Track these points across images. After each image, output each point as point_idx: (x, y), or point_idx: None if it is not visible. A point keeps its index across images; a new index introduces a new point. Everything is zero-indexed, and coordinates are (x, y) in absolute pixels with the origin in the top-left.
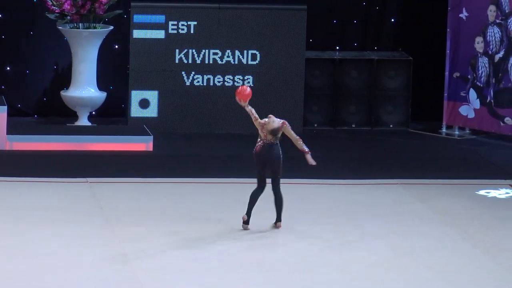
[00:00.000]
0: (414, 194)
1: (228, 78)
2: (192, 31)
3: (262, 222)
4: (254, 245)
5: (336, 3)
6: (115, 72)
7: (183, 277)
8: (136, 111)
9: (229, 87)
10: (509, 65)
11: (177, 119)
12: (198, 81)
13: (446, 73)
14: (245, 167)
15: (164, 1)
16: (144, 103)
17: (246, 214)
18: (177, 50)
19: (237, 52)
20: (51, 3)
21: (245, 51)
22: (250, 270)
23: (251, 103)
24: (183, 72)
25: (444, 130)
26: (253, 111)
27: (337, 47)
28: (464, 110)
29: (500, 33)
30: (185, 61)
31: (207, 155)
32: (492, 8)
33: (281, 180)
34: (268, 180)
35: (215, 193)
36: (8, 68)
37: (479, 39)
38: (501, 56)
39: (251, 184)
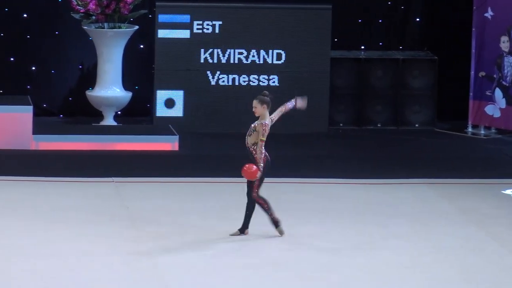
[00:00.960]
0: (440, 193)
1: (253, 77)
2: (217, 31)
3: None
4: (278, 245)
5: (361, 3)
6: (140, 71)
7: (209, 276)
8: (161, 111)
9: (255, 86)
10: None
11: (203, 119)
12: (224, 81)
13: (472, 73)
14: (273, 166)
15: (189, 0)
16: (169, 103)
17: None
18: (202, 50)
19: (262, 52)
20: (76, 3)
21: (270, 51)
22: (275, 270)
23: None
24: (208, 72)
25: (469, 129)
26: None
27: (362, 47)
28: (489, 109)
29: None
30: (210, 60)
31: (233, 155)
32: None
33: (307, 179)
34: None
35: (241, 192)
36: (33, 68)
37: (504, 38)
38: None
39: (277, 183)
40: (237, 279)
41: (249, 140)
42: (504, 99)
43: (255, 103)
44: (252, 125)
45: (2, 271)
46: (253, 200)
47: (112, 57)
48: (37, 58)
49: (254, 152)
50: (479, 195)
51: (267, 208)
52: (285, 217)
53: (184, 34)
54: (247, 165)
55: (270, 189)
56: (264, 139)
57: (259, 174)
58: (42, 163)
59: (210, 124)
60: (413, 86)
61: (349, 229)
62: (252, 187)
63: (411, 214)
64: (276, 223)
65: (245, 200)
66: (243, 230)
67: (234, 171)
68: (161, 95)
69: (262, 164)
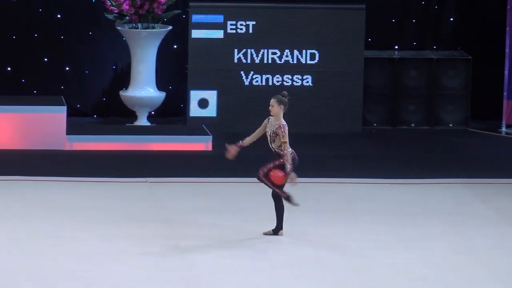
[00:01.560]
0: (474, 193)
1: (287, 77)
2: (250, 31)
3: (313, 221)
4: (308, 244)
5: (395, 2)
6: (174, 72)
7: (242, 276)
8: (195, 111)
9: (288, 86)
10: None
11: (236, 119)
12: (257, 81)
13: (506, 72)
14: (306, 166)
15: (223, 0)
16: (203, 103)
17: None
18: (235, 50)
19: (295, 52)
20: (109, 3)
21: (304, 51)
22: (305, 269)
23: (312, 104)
24: (242, 72)
25: (504, 129)
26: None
27: (396, 46)
28: None
29: None
30: (244, 60)
31: (266, 155)
32: None
33: (342, 179)
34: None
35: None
36: (67, 69)
37: None
38: None
39: (310, 184)
40: (269, 279)
41: (275, 145)
42: None
43: (273, 101)
44: (269, 131)
45: (39, 271)
46: (280, 200)
47: (146, 57)
48: (71, 59)
49: (281, 152)
50: None
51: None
52: (317, 217)
53: (218, 34)
54: (272, 172)
55: (303, 189)
56: (287, 140)
57: (285, 178)
58: (76, 164)
59: (244, 124)
60: (447, 85)
61: (382, 229)
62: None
63: (445, 214)
64: (288, 199)
65: None
66: (277, 231)
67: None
68: (195, 95)
69: (290, 164)
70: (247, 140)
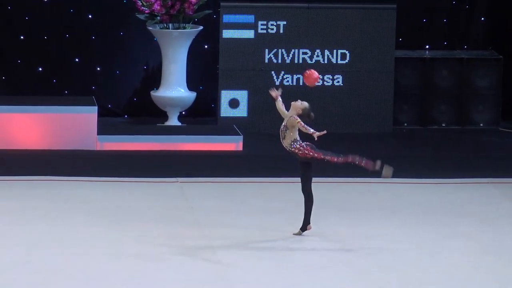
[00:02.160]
0: (505, 193)
1: (320, 77)
2: (281, 31)
3: (344, 221)
4: (340, 244)
5: (425, 2)
6: (204, 72)
7: (273, 276)
8: (226, 111)
9: (319, 86)
10: None
11: (267, 119)
12: (288, 81)
13: None
14: (337, 166)
15: (254, 1)
16: (233, 103)
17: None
18: (266, 50)
19: (326, 52)
20: (140, 3)
21: (335, 51)
22: (339, 269)
23: (342, 104)
24: (272, 72)
25: None
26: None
27: (427, 46)
28: None
29: None
30: (274, 60)
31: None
32: None
33: (371, 179)
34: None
35: None
36: (98, 69)
37: None
38: None
39: (341, 184)
40: (300, 279)
41: (286, 143)
42: None
43: (305, 103)
44: (282, 125)
45: (73, 271)
46: (310, 196)
47: (176, 57)
48: (102, 59)
49: (296, 150)
50: None
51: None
52: (348, 217)
53: (249, 34)
54: (308, 71)
55: (334, 189)
56: (300, 120)
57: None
58: (107, 164)
59: (274, 124)
60: (477, 85)
61: (413, 229)
62: (306, 181)
63: (476, 214)
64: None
65: None
66: (304, 227)
67: (297, 172)
68: (226, 95)
69: (312, 130)
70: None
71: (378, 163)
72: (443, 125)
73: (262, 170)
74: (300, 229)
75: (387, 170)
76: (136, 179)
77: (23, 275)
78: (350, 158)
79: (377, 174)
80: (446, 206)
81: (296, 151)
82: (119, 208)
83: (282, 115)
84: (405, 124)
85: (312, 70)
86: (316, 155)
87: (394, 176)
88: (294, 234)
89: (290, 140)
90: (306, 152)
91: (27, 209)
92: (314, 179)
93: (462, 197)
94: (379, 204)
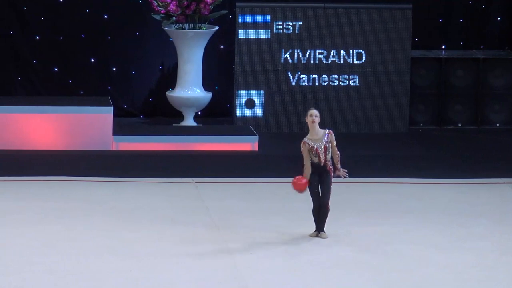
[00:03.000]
0: None
1: (333, 77)
2: (297, 31)
3: (360, 221)
4: (356, 244)
5: (442, 2)
6: (220, 72)
7: (289, 276)
8: (241, 111)
9: (335, 86)
10: None
11: (283, 119)
12: (304, 81)
13: None
14: (353, 166)
15: (269, 1)
16: (249, 103)
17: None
18: (282, 50)
19: (342, 52)
20: (156, 4)
21: (351, 51)
22: (355, 269)
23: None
24: (288, 72)
25: None
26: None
27: (443, 46)
28: None
29: None
30: (290, 61)
31: None
32: None
33: (388, 179)
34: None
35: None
36: (114, 69)
37: None
38: None
39: (357, 184)
40: (316, 279)
41: (328, 157)
42: None
43: (317, 113)
44: (319, 147)
45: (88, 271)
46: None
47: (192, 57)
48: (118, 59)
49: (330, 163)
50: None
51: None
52: (363, 217)
53: (265, 34)
54: (296, 177)
55: (350, 188)
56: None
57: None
58: (123, 164)
59: (290, 124)
60: (494, 85)
61: (429, 229)
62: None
63: (493, 214)
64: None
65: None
66: (319, 232)
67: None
68: (241, 95)
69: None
70: (306, 173)
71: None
72: (459, 125)
73: (278, 170)
74: (316, 231)
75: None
76: (152, 179)
77: (36, 274)
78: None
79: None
80: (462, 206)
81: (329, 164)
82: (135, 208)
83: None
84: (421, 124)
85: (300, 177)
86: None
87: (411, 176)
88: (310, 235)
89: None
90: (337, 162)
91: (42, 209)
92: None
93: (478, 198)
94: (394, 204)
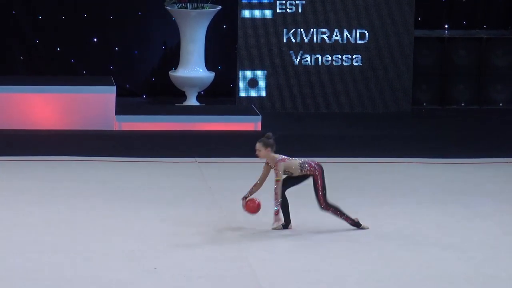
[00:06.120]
0: None
1: (336, 57)
2: (300, 10)
3: (363, 201)
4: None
5: None
6: (223, 52)
7: (292, 259)
8: (244, 91)
9: (338, 66)
10: None
11: (286, 99)
12: (307, 61)
13: None
14: (356, 146)
15: None
16: (252, 83)
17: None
18: (285, 30)
19: (345, 31)
20: None
21: (353, 30)
22: (355, 249)
23: (361, 84)
24: (291, 52)
25: None
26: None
27: (446, 26)
28: None
29: None
30: (293, 40)
31: (316, 135)
32: None
33: (390, 159)
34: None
35: (327, 172)
36: (116, 49)
37: None
38: None
39: (360, 163)
40: (319, 256)
41: (296, 175)
42: None
43: (258, 146)
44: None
45: (91, 251)
46: (284, 197)
47: (195, 37)
48: (120, 39)
49: (309, 172)
50: None
51: (340, 214)
52: (367, 197)
53: (267, 14)
54: (249, 200)
55: (353, 168)
56: (280, 178)
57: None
58: (125, 144)
59: (293, 104)
60: (496, 65)
61: (432, 209)
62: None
63: (495, 193)
64: (357, 224)
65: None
66: (287, 225)
67: (316, 151)
68: (244, 75)
69: (278, 205)
70: (253, 191)
71: (357, 219)
72: (462, 104)
73: (281, 149)
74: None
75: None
76: (154, 159)
77: (37, 254)
78: (339, 215)
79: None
80: (465, 186)
81: (309, 174)
82: (138, 188)
83: (264, 179)
84: (424, 104)
85: (250, 202)
86: (319, 186)
87: (414, 155)
88: (273, 228)
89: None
90: (316, 176)
91: (45, 189)
92: (331, 159)
93: (481, 177)
94: (397, 184)
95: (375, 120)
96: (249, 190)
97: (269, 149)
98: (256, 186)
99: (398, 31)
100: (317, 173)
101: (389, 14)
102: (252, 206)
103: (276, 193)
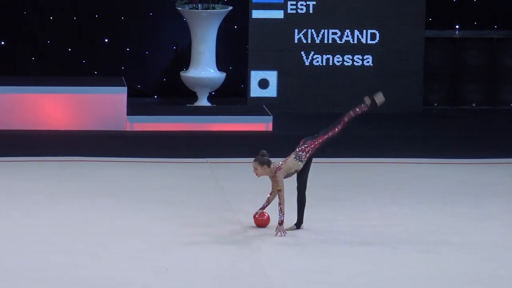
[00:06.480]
0: None
1: (347, 57)
2: (311, 11)
3: (374, 202)
4: (369, 224)
5: None
6: (234, 52)
7: (303, 259)
8: (255, 91)
9: (349, 67)
10: None
11: (296, 99)
12: (318, 61)
13: None
14: (367, 146)
15: None
16: (263, 83)
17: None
18: (296, 30)
19: (356, 32)
20: None
21: (364, 31)
22: (370, 250)
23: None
24: (302, 52)
25: None
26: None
27: (457, 26)
28: None
29: None
30: (304, 41)
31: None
32: None
33: (401, 159)
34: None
35: (335, 171)
36: (127, 49)
37: None
38: None
39: (370, 164)
40: (327, 254)
41: (300, 166)
42: None
43: (254, 165)
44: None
45: (101, 251)
46: (303, 194)
47: (206, 38)
48: (132, 39)
49: (308, 153)
50: None
51: (352, 115)
52: (376, 197)
53: (278, 14)
54: (257, 215)
55: (364, 169)
56: (282, 187)
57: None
58: (136, 144)
59: (304, 104)
60: (508, 65)
61: (443, 210)
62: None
63: (506, 194)
64: (371, 102)
65: (341, 179)
66: (299, 225)
67: (327, 151)
68: (255, 75)
69: (283, 215)
70: (270, 199)
71: (367, 99)
72: (473, 105)
73: (292, 150)
74: (295, 224)
75: (379, 97)
76: (166, 160)
77: (47, 254)
78: (346, 118)
79: (375, 107)
80: (477, 187)
81: (309, 153)
82: (149, 189)
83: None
84: (435, 104)
85: (260, 217)
86: (321, 140)
87: (425, 156)
88: (286, 229)
89: (296, 163)
90: (313, 147)
91: (56, 189)
92: (338, 159)
93: (493, 177)
94: (408, 185)
95: (386, 120)
96: (266, 200)
97: (265, 166)
98: (272, 195)
99: (409, 32)
100: (313, 146)
101: (400, 14)
102: (261, 220)
103: (279, 204)
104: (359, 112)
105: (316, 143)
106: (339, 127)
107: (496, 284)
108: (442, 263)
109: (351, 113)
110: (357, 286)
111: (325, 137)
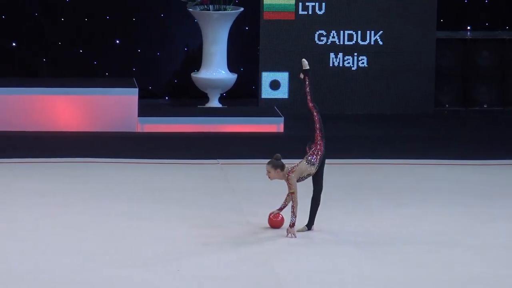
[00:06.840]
0: None
1: (359, 58)
2: (322, 12)
3: (384, 203)
4: (381, 225)
5: None
6: (245, 53)
7: (314, 259)
8: (266, 93)
9: (360, 67)
10: None
11: None
12: (329, 62)
13: None
14: (378, 147)
15: None
16: (274, 85)
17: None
18: (307, 31)
19: (368, 33)
20: None
21: (376, 32)
22: (379, 249)
23: (383, 85)
24: (313, 53)
25: None
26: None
27: (468, 27)
28: None
29: None
30: (316, 42)
31: (337, 136)
32: None
33: (414, 160)
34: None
35: (346, 173)
36: (139, 51)
37: None
38: None
39: (381, 165)
40: (337, 257)
41: (311, 170)
42: None
43: (268, 167)
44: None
45: (114, 253)
46: (318, 196)
47: (217, 39)
48: (143, 41)
49: (317, 155)
50: None
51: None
52: (389, 199)
53: (289, 15)
54: (272, 215)
55: (374, 171)
56: (295, 190)
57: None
58: (148, 146)
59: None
60: None
61: (456, 211)
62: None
63: None
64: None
65: (351, 180)
66: (310, 226)
67: (338, 153)
68: (266, 76)
69: (295, 218)
70: (287, 200)
71: (301, 74)
72: (485, 106)
73: (304, 151)
74: (306, 225)
75: (304, 64)
76: (177, 161)
77: (59, 256)
78: (310, 103)
79: (308, 73)
80: (487, 188)
81: (319, 154)
82: (160, 190)
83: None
84: (447, 105)
85: (274, 217)
86: (318, 137)
87: (436, 157)
88: (297, 230)
89: (309, 167)
90: (318, 147)
91: (67, 191)
92: (352, 160)
93: (506, 179)
94: (419, 186)
95: (396, 121)
96: (283, 201)
97: (278, 170)
98: (289, 197)
99: (421, 33)
100: (318, 147)
101: (411, 15)
102: (275, 221)
103: (292, 206)
104: (307, 90)
105: (317, 142)
106: (315, 113)
107: (509, 285)
108: (453, 265)
109: (308, 96)
110: (367, 286)
111: (317, 132)
